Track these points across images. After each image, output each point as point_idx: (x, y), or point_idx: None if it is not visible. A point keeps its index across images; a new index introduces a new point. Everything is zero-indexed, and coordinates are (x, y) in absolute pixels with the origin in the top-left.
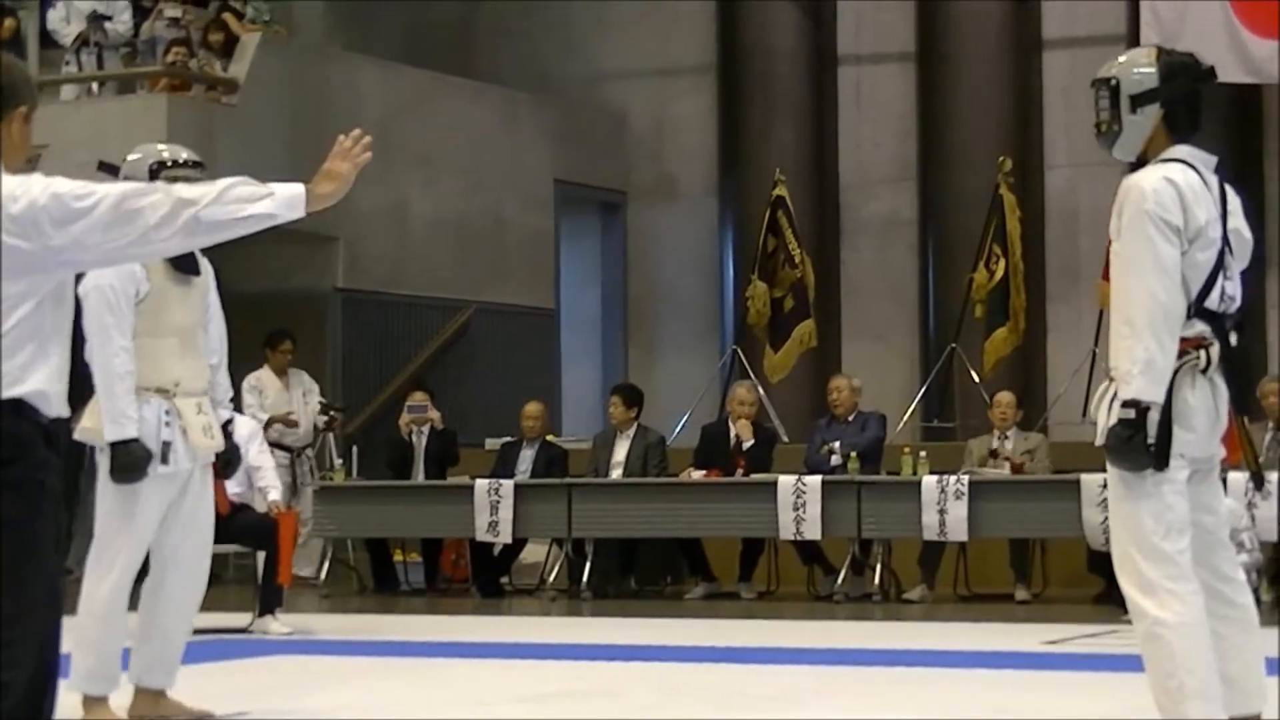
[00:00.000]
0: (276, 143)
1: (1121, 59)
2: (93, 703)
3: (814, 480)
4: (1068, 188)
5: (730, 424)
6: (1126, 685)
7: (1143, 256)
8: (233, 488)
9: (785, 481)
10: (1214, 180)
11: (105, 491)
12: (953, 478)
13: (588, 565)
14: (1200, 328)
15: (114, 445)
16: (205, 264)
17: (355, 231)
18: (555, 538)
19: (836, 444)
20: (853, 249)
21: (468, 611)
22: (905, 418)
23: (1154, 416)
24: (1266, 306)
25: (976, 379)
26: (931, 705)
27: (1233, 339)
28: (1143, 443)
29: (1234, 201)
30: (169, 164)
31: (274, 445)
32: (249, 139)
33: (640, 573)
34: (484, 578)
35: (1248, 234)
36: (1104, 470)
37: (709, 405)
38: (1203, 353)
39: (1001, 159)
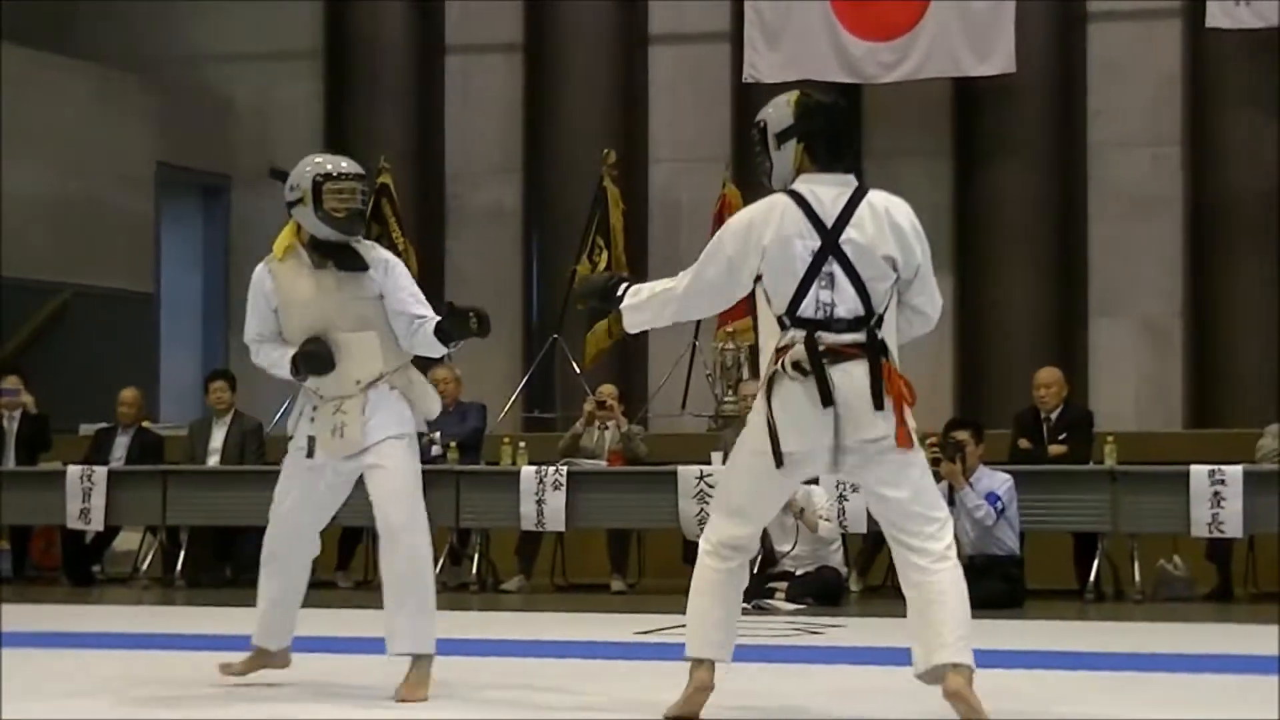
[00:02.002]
0: None
1: (770, 103)
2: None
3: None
4: (670, 182)
5: None
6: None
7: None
8: None
9: None
10: (833, 199)
11: None
12: (551, 468)
13: (182, 553)
14: (792, 334)
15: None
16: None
17: None
18: (149, 525)
19: (437, 434)
20: (457, 238)
21: (57, 600)
22: (506, 408)
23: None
24: None
25: (578, 370)
26: (526, 695)
27: (831, 338)
28: None
29: (862, 214)
30: (332, 175)
31: None
32: None
33: (237, 561)
34: (75, 565)
35: (881, 246)
36: (701, 462)
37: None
38: (784, 358)
39: (606, 152)
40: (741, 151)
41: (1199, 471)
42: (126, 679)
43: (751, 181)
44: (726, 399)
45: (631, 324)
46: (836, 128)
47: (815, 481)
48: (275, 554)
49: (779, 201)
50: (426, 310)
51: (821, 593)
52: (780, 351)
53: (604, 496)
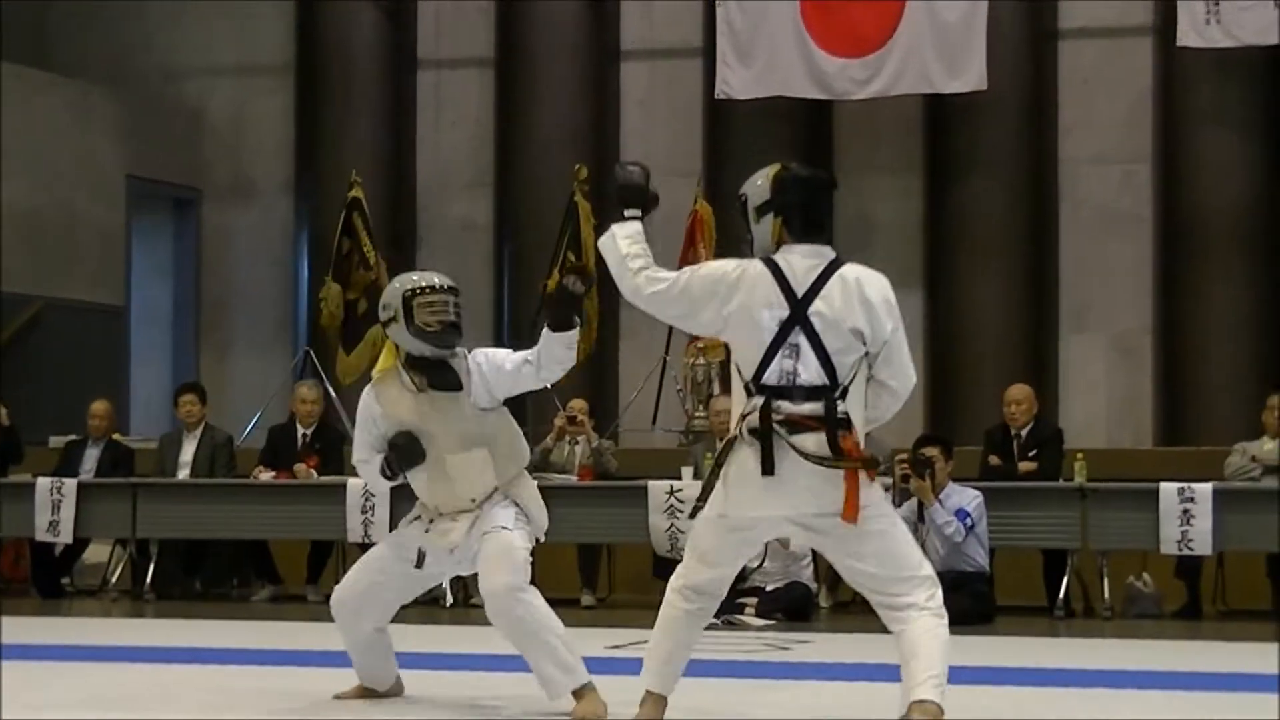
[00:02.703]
0: None
1: (751, 177)
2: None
3: (385, 485)
4: None
5: (297, 424)
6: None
7: None
8: None
9: (354, 484)
10: (805, 270)
11: None
12: None
13: (152, 566)
14: (754, 401)
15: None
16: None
17: None
18: (119, 538)
19: None
20: (428, 252)
21: (26, 612)
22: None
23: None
24: None
25: (549, 385)
26: (496, 709)
27: (792, 406)
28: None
29: (833, 287)
30: (422, 289)
31: None
32: None
33: (206, 574)
34: (44, 578)
35: (849, 319)
36: (672, 477)
37: (280, 406)
38: (744, 424)
39: (578, 167)
40: (713, 167)
41: (1168, 489)
42: (94, 691)
43: (723, 196)
44: (697, 414)
45: (604, 244)
46: (813, 201)
47: None
48: (345, 604)
49: (753, 268)
50: (527, 352)
51: (791, 608)
52: (743, 417)
53: (574, 511)
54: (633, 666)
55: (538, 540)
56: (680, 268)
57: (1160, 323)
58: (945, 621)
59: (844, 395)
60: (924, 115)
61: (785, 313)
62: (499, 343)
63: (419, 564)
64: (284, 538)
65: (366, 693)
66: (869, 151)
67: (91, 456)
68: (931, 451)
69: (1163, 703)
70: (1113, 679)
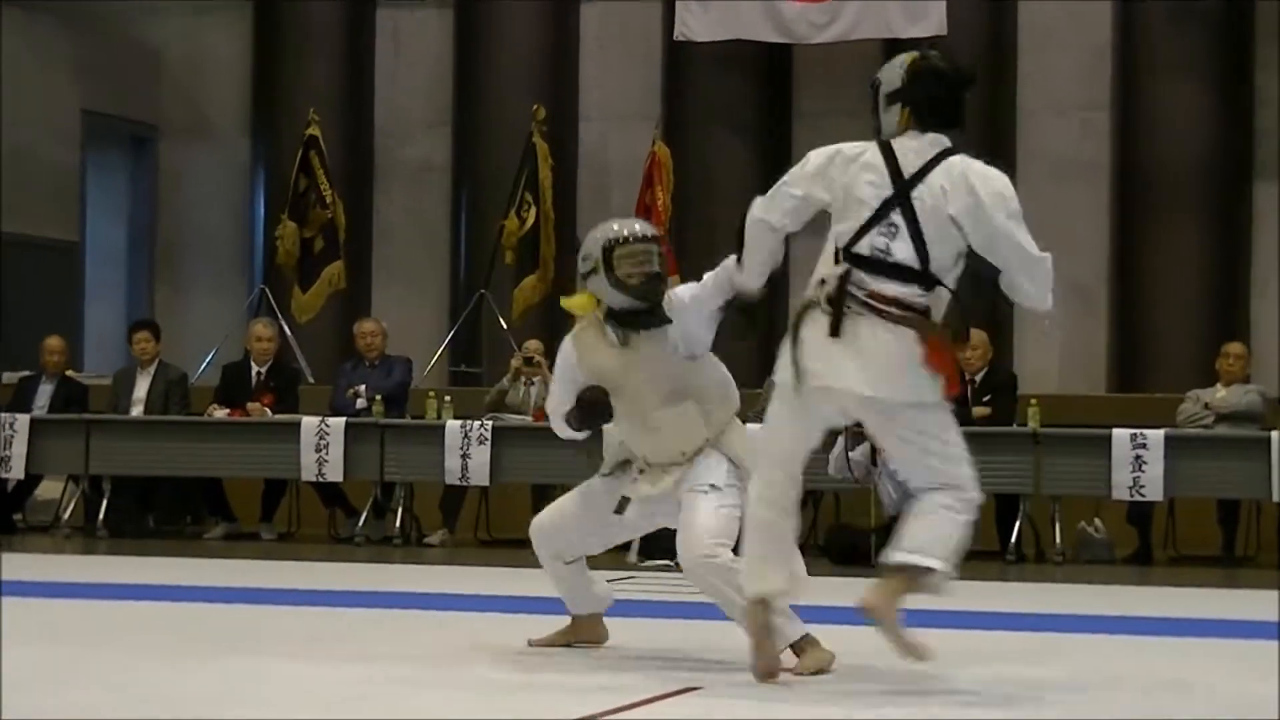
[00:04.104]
0: None
1: (889, 62)
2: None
3: (337, 422)
4: (600, 139)
5: (252, 362)
6: (637, 628)
7: None
8: None
9: (309, 423)
10: (916, 154)
11: None
12: (476, 423)
13: (105, 503)
14: (837, 269)
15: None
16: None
17: None
18: (72, 474)
19: (362, 387)
20: (385, 192)
21: None
22: (433, 362)
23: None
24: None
25: (505, 326)
26: (448, 648)
27: (876, 283)
28: None
29: (937, 174)
30: (623, 239)
31: None
32: None
33: (159, 512)
34: None
35: (949, 206)
36: None
37: (235, 344)
38: (824, 289)
39: (536, 108)
40: (672, 110)
41: (1121, 435)
42: (47, 627)
43: (681, 139)
44: None
45: (750, 277)
46: (945, 94)
47: None
48: (541, 529)
49: (868, 147)
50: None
51: None
52: (821, 283)
53: (529, 452)
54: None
55: None
56: (639, 210)
57: (1115, 270)
58: (964, 518)
59: (932, 286)
60: (883, 59)
61: (889, 191)
62: (455, 282)
63: (620, 509)
64: (238, 476)
65: (569, 635)
66: (828, 95)
67: (45, 392)
68: None
69: (1113, 647)
70: (1063, 623)
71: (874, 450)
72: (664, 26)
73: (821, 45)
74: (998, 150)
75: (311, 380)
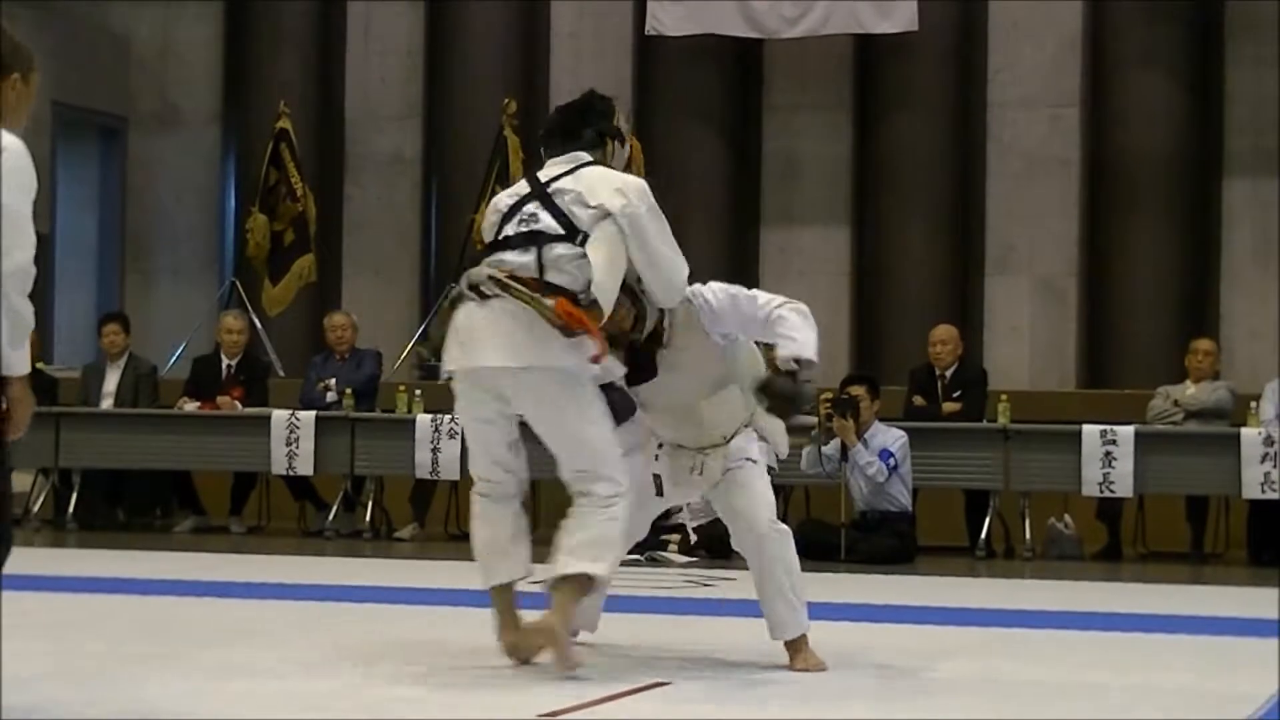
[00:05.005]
0: None
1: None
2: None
3: (308, 416)
4: None
5: (222, 354)
6: (605, 623)
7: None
8: None
9: (279, 416)
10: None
11: None
12: (446, 417)
13: (74, 496)
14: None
15: None
16: None
17: None
18: (42, 468)
19: (333, 380)
20: (356, 184)
21: None
22: (403, 356)
23: None
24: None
25: None
26: (417, 642)
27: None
28: None
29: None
30: None
31: None
32: None
33: (129, 505)
34: None
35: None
36: None
37: (205, 337)
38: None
39: (507, 101)
40: (644, 103)
41: (1091, 431)
42: (14, 620)
43: (653, 133)
44: None
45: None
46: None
47: None
48: None
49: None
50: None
51: (714, 545)
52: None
53: None
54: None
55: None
56: None
57: (1085, 266)
58: (613, 510)
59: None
60: (854, 55)
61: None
62: (426, 275)
63: (659, 491)
64: (207, 469)
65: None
66: (798, 90)
67: None
68: (858, 391)
69: (1081, 643)
70: (1032, 619)
71: (844, 446)
72: (635, 20)
73: (792, 40)
74: (968, 145)
75: (282, 373)
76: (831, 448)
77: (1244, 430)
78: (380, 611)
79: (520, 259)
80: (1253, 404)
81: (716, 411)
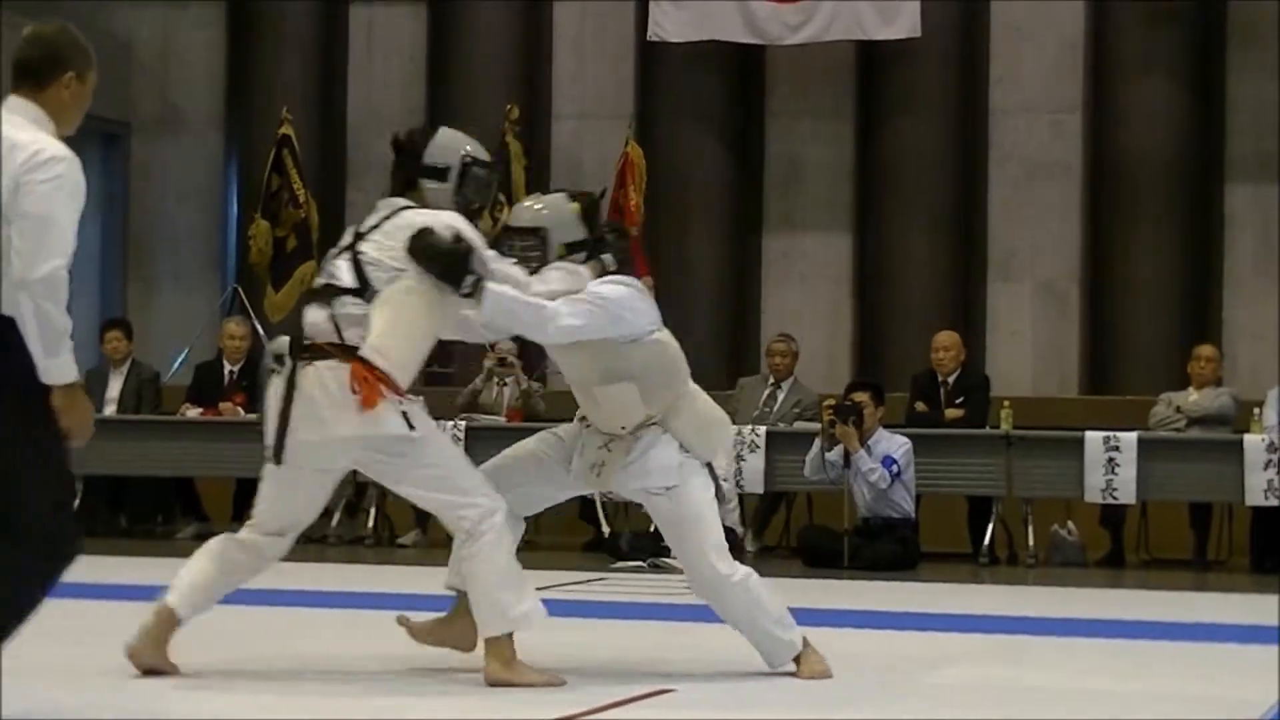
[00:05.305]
0: None
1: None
2: None
3: None
4: (573, 138)
5: (224, 361)
6: (610, 630)
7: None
8: None
9: None
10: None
11: None
12: (449, 424)
13: (76, 502)
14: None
15: None
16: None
17: None
18: None
19: None
20: (359, 190)
21: None
22: None
23: None
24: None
25: None
26: (422, 647)
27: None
28: None
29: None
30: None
31: None
32: None
33: (131, 511)
34: None
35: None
36: None
37: (208, 343)
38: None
39: (509, 107)
40: (645, 110)
41: (1094, 438)
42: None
43: (655, 139)
44: None
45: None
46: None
47: None
48: (491, 472)
49: None
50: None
51: None
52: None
53: (498, 447)
54: (554, 608)
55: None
56: (611, 210)
57: (1087, 272)
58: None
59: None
60: (856, 61)
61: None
62: None
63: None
64: (210, 475)
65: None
66: (800, 96)
67: None
68: (862, 397)
69: (1084, 649)
70: (1035, 626)
71: (846, 454)
72: (637, 25)
73: (794, 46)
74: (970, 150)
75: None
76: (835, 454)
77: (1247, 437)
78: (383, 618)
79: (316, 315)
80: (1256, 410)
81: (610, 401)
